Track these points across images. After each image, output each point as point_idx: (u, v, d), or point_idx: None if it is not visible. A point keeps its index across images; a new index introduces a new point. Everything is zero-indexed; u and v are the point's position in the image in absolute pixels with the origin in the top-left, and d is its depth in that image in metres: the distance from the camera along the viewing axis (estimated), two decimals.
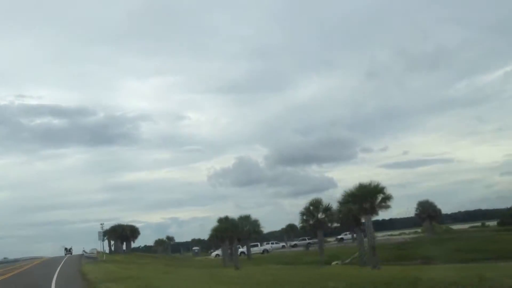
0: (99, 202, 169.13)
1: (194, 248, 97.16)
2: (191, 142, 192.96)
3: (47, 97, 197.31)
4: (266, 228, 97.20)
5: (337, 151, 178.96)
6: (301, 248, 74.93)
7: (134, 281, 20.11)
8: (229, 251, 53.74)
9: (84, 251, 76.76)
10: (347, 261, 53.44)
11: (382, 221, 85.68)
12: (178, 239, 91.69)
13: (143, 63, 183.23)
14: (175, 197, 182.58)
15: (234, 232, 52.16)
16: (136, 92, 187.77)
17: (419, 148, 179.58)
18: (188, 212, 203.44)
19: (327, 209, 34.64)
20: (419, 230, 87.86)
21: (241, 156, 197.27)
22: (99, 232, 60.74)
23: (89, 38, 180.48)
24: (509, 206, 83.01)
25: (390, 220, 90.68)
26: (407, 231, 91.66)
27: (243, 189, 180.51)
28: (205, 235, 61.58)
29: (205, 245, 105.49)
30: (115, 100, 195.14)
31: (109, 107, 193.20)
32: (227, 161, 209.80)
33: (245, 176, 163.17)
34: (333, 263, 53.85)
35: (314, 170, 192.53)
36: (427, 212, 66.89)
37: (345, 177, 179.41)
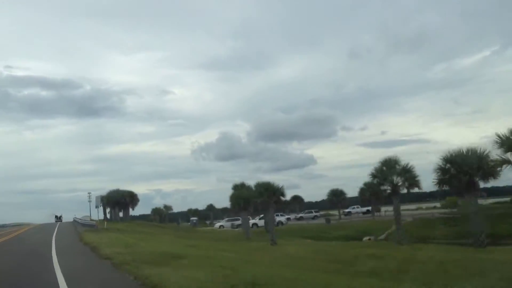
0: (86, 172, 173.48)
1: (192, 218, 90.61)
2: (176, 117, 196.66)
3: (34, 69, 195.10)
4: None
5: (317, 129, 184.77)
6: (315, 221, 68.69)
7: (200, 262, 13.07)
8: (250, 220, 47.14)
9: (75, 218, 73.32)
10: (382, 237, 47.24)
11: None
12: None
13: (129, 38, 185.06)
14: (159, 170, 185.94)
15: (244, 202, 45.17)
16: (122, 67, 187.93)
17: (397, 128, 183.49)
18: (172, 184, 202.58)
19: (407, 171, 27.61)
20: (437, 204, 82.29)
21: (224, 131, 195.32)
22: (96, 197, 53.86)
23: (76, 12, 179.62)
24: None
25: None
26: (423, 205, 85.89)
27: (226, 164, 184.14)
28: (185, 207, 61.45)
29: (202, 216, 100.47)
30: (102, 74, 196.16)
31: (96, 80, 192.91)
32: (210, 136, 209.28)
33: (227, 151, 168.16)
34: (365, 238, 47.69)
35: (294, 147, 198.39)
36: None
37: (324, 155, 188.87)
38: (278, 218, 60.57)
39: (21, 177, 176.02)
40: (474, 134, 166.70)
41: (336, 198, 73.60)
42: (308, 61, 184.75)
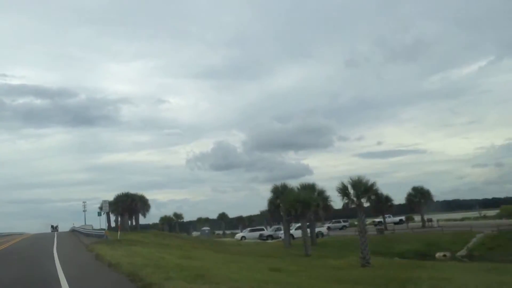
0: (80, 181, 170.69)
1: (204, 228, 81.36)
2: (171, 126, 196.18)
3: (29, 77, 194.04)
4: (243, 212, 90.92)
5: (313, 138, 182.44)
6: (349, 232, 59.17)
7: None
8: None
9: (74, 227, 66.94)
10: (461, 253, 38.23)
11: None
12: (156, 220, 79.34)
13: (125, 47, 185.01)
14: (154, 179, 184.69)
15: (303, 207, 36.16)
16: (117, 75, 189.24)
17: (393, 139, 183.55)
18: (166, 194, 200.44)
19: None
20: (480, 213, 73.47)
21: (220, 141, 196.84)
22: (104, 202, 44.61)
23: (72, 20, 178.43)
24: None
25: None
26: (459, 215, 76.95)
27: (221, 173, 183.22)
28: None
29: (211, 226, 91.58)
30: (97, 83, 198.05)
31: (91, 89, 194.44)
32: (205, 145, 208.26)
33: (223, 161, 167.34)
34: (438, 254, 38.71)
35: (290, 157, 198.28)
36: None
37: (320, 165, 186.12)
38: (319, 228, 51.30)
39: (14, 186, 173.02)
40: (470, 144, 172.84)
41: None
42: (304, 70, 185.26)
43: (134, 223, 54.86)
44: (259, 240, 54.71)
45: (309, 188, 41.02)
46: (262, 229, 64.15)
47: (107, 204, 44.70)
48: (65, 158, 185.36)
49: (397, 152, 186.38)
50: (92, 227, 66.57)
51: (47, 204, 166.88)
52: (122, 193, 52.65)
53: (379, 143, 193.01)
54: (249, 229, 64.95)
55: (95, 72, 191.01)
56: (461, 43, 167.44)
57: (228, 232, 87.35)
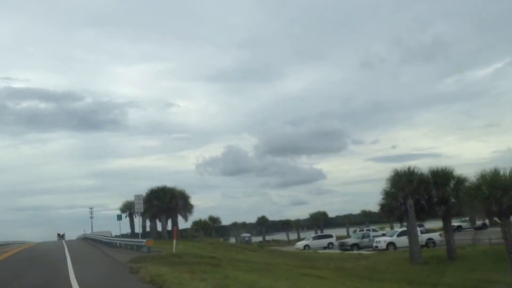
0: (86, 188, 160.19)
1: (244, 235, 67.91)
2: (180, 130, 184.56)
3: (33, 81, 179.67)
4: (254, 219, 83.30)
5: (327, 142, 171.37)
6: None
7: None
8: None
9: (86, 234, 61.22)
10: None
11: None
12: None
13: (132, 49, 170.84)
14: (162, 185, 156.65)
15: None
16: (125, 78, 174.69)
17: (408, 142, 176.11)
18: None
19: None
20: None
21: (230, 145, 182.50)
22: (137, 197, 31.39)
23: (78, 22, 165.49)
24: None
25: None
26: None
27: (231, 179, 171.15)
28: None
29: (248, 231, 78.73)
30: (103, 86, 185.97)
31: (97, 93, 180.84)
32: (215, 150, 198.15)
33: (233, 166, 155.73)
34: None
35: (303, 161, 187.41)
36: None
37: (333, 169, 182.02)
38: (428, 235, 37.23)
39: (18, 193, 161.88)
40: (486, 148, 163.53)
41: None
42: (318, 73, 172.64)
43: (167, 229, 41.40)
44: (334, 250, 40.97)
45: (443, 175, 27.38)
46: (330, 236, 50.60)
47: (141, 201, 31.43)
48: (70, 164, 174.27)
49: (412, 156, 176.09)
50: (111, 234, 53.87)
51: (51, 211, 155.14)
52: (158, 187, 39.16)
53: (393, 146, 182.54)
54: (313, 235, 51.37)
55: (102, 75, 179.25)
56: (478, 44, 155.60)
57: (267, 237, 73.89)
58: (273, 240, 73.47)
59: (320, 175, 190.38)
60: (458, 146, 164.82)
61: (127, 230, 57.74)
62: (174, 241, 20.93)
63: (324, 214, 74.49)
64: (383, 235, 42.72)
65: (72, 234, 78.72)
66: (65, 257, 23.81)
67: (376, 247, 36.17)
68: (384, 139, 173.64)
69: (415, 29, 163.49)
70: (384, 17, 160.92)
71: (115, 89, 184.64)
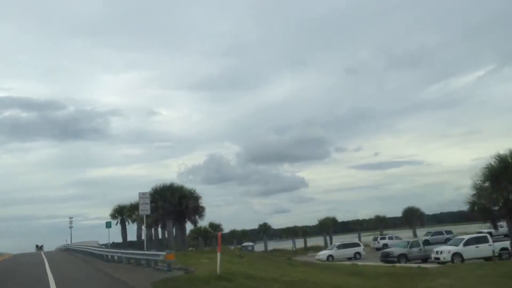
0: (67, 197, 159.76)
1: (246, 244, 61.03)
2: (163, 139, 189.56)
3: (16, 89, 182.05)
4: (237, 227, 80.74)
5: (310, 150, 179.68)
6: None
7: None
8: None
9: (67, 244, 56.13)
10: None
11: None
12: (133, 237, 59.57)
13: (115, 58, 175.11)
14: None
15: None
16: (108, 87, 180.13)
17: (391, 150, 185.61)
18: None
19: None
20: None
21: (213, 153, 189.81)
22: (142, 195, 24.02)
23: (61, 31, 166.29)
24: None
25: None
26: None
27: (213, 187, 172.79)
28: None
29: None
30: (86, 94, 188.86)
31: (80, 101, 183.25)
32: (198, 158, 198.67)
33: (215, 174, 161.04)
34: None
35: (285, 169, 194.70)
36: None
37: (316, 177, 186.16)
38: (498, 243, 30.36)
39: None
40: (468, 155, 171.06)
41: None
42: (302, 80, 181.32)
43: (177, 234, 33.69)
44: (375, 263, 33.82)
45: None
46: (357, 245, 43.67)
47: (148, 200, 24.10)
48: (51, 173, 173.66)
49: (394, 163, 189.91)
50: (98, 243, 46.54)
51: (31, 221, 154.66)
52: (164, 185, 31.49)
53: (376, 154, 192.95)
54: (338, 244, 44.12)
55: (85, 84, 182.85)
56: (461, 52, 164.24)
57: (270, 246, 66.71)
58: (275, 250, 66.49)
59: (302, 183, 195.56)
60: (440, 153, 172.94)
61: (116, 238, 50.37)
62: (219, 255, 13.58)
63: (334, 220, 67.55)
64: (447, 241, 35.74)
65: (50, 245, 73.02)
66: (46, 273, 16.41)
67: (437, 258, 29.17)
68: (367, 147, 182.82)
69: (400, 36, 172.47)
70: (369, 24, 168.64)
71: (98, 97, 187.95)
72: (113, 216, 45.50)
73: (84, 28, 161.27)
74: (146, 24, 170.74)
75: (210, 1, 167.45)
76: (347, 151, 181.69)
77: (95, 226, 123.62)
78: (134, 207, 43.20)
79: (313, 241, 67.47)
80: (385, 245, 51.89)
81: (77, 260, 29.63)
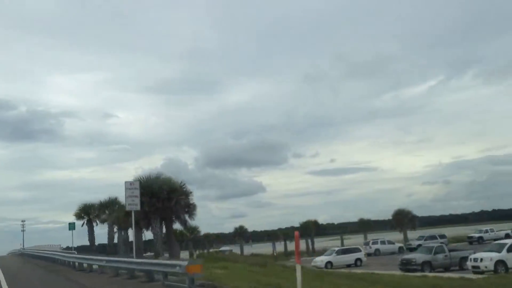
0: (18, 200, 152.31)
1: (223, 248, 56.02)
2: (119, 141, 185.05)
3: None
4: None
5: (268, 155, 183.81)
6: None
7: None
8: None
9: (22, 249, 51.61)
10: None
11: None
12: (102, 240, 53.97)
13: (70, 58, 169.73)
14: (100, 197, 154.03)
15: None
16: (62, 88, 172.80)
17: (346, 156, 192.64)
18: None
19: None
20: None
21: (170, 157, 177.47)
22: (129, 185, 18.55)
23: (14, 29, 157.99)
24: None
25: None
26: None
27: None
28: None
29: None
30: (38, 95, 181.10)
31: (32, 102, 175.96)
32: (155, 161, 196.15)
33: (173, 178, 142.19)
34: None
35: (243, 174, 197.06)
36: None
37: (273, 182, 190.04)
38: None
39: None
40: (419, 162, 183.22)
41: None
42: (261, 86, 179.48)
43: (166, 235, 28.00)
44: (393, 271, 29.26)
45: None
46: (358, 250, 39.33)
47: (137, 191, 18.80)
48: (2, 175, 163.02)
49: (349, 169, 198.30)
50: (61, 247, 40.47)
51: None
52: (150, 176, 25.53)
53: (332, 160, 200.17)
54: (336, 249, 39.56)
55: (38, 84, 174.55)
56: (414, 63, 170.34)
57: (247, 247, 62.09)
58: (253, 254, 61.61)
59: (260, 188, 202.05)
60: (393, 160, 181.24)
61: (80, 242, 44.53)
62: (299, 268, 8.55)
63: (315, 223, 63.48)
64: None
65: (1, 249, 65.72)
66: None
67: (476, 267, 24.93)
68: (323, 153, 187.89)
69: (357, 45, 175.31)
70: (328, 33, 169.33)
71: (51, 98, 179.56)
72: (79, 216, 39.40)
73: (34, 27, 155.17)
74: (101, 25, 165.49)
75: (168, 4, 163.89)
76: (305, 157, 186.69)
77: (48, 230, 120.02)
78: (104, 206, 37.57)
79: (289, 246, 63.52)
80: (377, 250, 48.28)
81: (39, 270, 23.82)
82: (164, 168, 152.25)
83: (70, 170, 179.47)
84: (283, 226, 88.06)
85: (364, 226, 64.74)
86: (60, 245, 44.28)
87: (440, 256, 28.86)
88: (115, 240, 35.88)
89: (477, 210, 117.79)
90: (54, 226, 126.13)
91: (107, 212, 37.18)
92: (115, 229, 35.48)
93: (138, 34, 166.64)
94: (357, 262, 37.27)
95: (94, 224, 39.40)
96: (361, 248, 40.56)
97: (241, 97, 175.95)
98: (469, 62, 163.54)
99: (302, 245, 63.59)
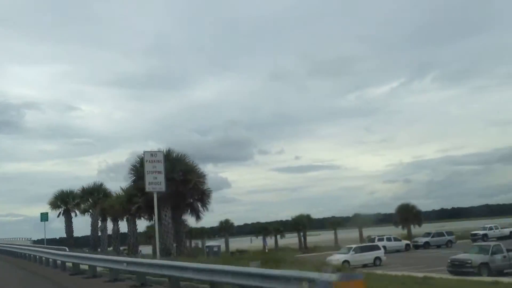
0: None
1: (210, 244, 50.46)
2: (82, 135, 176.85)
3: None
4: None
5: (233, 152, 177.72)
6: None
7: None
8: None
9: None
10: None
11: None
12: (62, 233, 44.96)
13: (31, 49, 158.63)
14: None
15: None
16: (22, 79, 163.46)
17: (311, 154, 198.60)
18: None
19: None
20: None
21: (135, 152, 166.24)
22: (149, 154, 13.15)
23: None
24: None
25: None
26: None
27: None
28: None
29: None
30: None
31: None
32: (120, 156, 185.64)
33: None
34: None
35: (209, 170, 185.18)
36: None
37: (238, 178, 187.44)
38: None
39: None
40: (381, 161, 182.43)
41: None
42: (227, 83, 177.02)
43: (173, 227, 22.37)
44: (436, 273, 24.75)
45: None
46: (377, 248, 35.03)
47: (160, 164, 13.47)
48: None
49: (314, 167, 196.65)
50: (31, 241, 34.89)
51: None
52: (159, 150, 19.88)
53: (297, 157, 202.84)
54: (354, 246, 34.95)
55: None
56: (377, 64, 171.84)
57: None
58: (238, 250, 56.64)
59: (225, 183, 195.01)
60: (356, 158, 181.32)
61: (53, 234, 38.83)
62: None
63: (308, 217, 59.22)
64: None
65: None
66: None
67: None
68: (289, 150, 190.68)
69: (322, 45, 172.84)
70: (294, 31, 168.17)
71: (11, 89, 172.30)
72: (55, 205, 33.47)
73: None
74: (63, 16, 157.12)
75: None
76: (270, 153, 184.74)
77: (5, 223, 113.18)
78: (87, 193, 31.82)
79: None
80: (384, 248, 44.18)
81: (16, 271, 18.14)
82: (129, 163, 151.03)
83: (31, 162, 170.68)
84: (249, 222, 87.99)
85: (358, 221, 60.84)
86: (31, 238, 38.65)
87: (498, 257, 24.62)
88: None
89: (436, 208, 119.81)
90: (12, 219, 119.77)
91: (90, 200, 31.51)
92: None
93: (102, 27, 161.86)
94: (376, 261, 32.93)
95: (73, 214, 33.70)
96: (380, 246, 36.26)
97: (206, 93, 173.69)
98: (430, 65, 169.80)
99: (294, 240, 59.52)
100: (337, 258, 33.90)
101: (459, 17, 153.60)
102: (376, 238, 47.24)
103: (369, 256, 33.45)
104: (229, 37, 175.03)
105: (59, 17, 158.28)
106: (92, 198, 31.13)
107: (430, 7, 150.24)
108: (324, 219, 73.15)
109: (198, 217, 23.89)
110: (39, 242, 36.36)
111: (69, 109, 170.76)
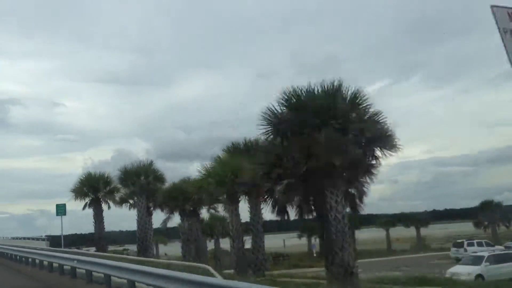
0: None
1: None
2: (66, 131, 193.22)
3: None
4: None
5: (220, 150, 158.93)
6: None
7: None
8: None
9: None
10: None
11: None
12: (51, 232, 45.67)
13: (14, 44, 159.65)
14: (45, 188, 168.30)
15: None
16: (5, 74, 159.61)
17: None
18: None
19: None
20: None
21: (121, 149, 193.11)
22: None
23: None
24: None
25: None
26: None
27: None
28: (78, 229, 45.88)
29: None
30: None
31: None
32: (105, 153, 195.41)
33: None
34: None
35: (195, 168, 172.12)
36: None
37: None
38: None
39: None
40: None
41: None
42: (212, 83, 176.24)
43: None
44: None
45: None
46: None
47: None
48: None
49: None
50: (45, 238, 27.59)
51: None
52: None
53: None
54: (488, 255, 26.05)
55: None
56: (364, 65, 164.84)
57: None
58: (277, 254, 47.83)
59: None
60: None
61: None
62: None
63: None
64: None
65: None
66: None
67: None
68: None
69: (309, 46, 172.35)
70: (281, 32, 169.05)
71: None
72: (80, 194, 24.27)
73: None
74: (49, 13, 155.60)
75: None
76: None
77: None
78: (133, 174, 22.67)
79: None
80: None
81: None
82: (114, 160, 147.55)
83: (13, 158, 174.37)
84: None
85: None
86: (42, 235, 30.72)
87: None
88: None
89: (428, 209, 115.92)
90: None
91: (132, 186, 22.29)
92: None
93: (86, 24, 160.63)
94: None
95: (107, 206, 24.66)
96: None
97: (193, 91, 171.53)
98: (417, 65, 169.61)
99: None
100: (467, 270, 25.12)
101: (446, 18, 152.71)
102: (465, 242, 38.71)
103: (509, 268, 24.71)
104: (217, 36, 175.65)
105: (44, 13, 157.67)
106: (138, 183, 22.18)
107: (419, 7, 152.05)
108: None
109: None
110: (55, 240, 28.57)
111: (53, 105, 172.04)
